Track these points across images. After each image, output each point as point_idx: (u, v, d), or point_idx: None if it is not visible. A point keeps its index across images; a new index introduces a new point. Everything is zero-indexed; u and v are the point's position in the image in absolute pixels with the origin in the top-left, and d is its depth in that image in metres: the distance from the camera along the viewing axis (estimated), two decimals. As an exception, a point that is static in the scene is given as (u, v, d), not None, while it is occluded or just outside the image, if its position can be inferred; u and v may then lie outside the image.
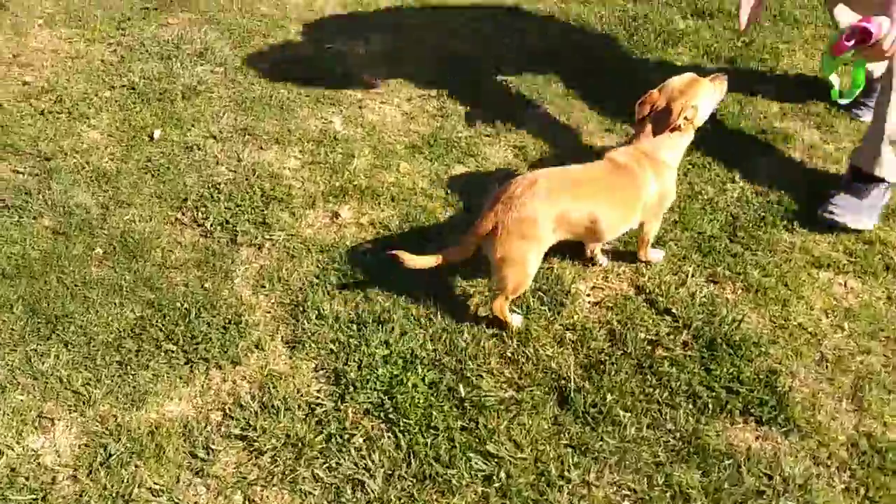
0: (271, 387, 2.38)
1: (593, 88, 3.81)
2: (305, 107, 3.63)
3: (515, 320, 2.60)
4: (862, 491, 2.22)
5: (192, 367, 2.44)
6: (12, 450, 2.20)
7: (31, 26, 4.28)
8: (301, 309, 2.63)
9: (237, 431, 2.25)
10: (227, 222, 2.96)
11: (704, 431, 2.33)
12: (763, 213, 3.11)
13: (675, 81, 2.65)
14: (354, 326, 2.56)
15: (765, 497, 2.18)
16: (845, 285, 2.84)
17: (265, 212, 3.01)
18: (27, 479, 2.13)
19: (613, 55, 4.11)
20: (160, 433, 2.25)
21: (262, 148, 3.38)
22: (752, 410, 2.40)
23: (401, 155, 3.36)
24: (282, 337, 2.55)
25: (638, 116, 2.65)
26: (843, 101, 2.95)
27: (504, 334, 2.57)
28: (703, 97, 2.62)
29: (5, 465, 2.17)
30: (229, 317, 2.59)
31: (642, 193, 2.59)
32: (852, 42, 2.54)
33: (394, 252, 2.45)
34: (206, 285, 2.71)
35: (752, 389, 2.45)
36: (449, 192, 3.15)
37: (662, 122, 2.59)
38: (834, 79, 2.81)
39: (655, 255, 2.86)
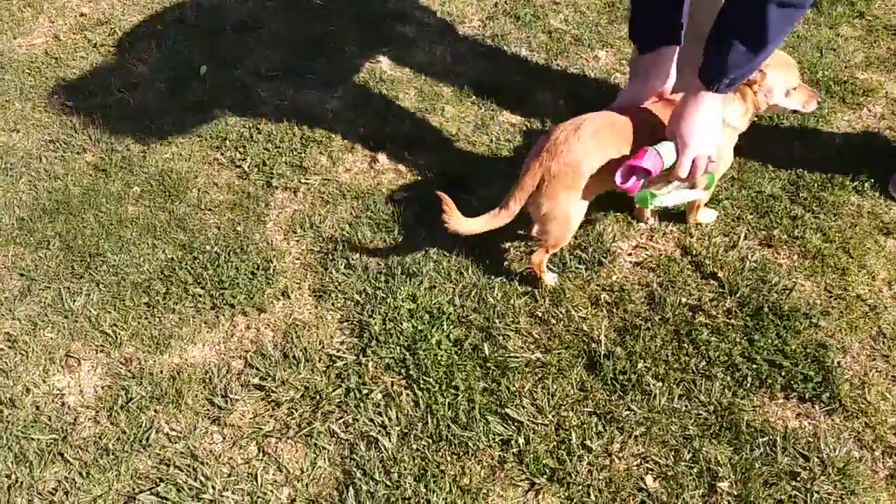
0: (294, 336, 2.35)
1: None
2: (354, 45, 3.52)
3: (550, 278, 2.49)
4: (908, 479, 2.08)
5: (217, 312, 2.43)
6: (38, 388, 2.25)
7: (93, -44, 4.27)
8: (331, 257, 2.58)
9: (256, 381, 2.24)
10: (265, 164, 2.91)
11: (740, 406, 2.20)
12: (832, 174, 2.88)
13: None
14: (383, 278, 2.50)
15: (799, 479, 2.06)
16: (914, 255, 2.62)
17: (303, 154, 2.95)
18: (50, 418, 2.17)
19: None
20: (181, 378, 2.25)
21: (306, 88, 3.30)
22: (795, 386, 2.25)
23: (447, 98, 3.23)
24: (309, 285, 2.51)
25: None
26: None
27: (536, 293, 2.47)
28: (780, 81, 2.29)
29: (31, 403, 2.21)
30: (258, 262, 2.57)
31: None
32: (633, 182, 2.12)
33: (442, 194, 2.21)
34: (239, 228, 2.69)
35: (796, 363, 2.29)
36: (494, 139, 3.03)
37: None
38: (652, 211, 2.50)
39: (707, 216, 2.69)
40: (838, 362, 2.32)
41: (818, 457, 2.10)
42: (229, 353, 2.33)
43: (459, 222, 2.25)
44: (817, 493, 2.03)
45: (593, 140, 2.21)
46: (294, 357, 2.29)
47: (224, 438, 2.13)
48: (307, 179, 2.85)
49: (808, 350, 2.33)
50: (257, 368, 2.27)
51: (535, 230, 2.37)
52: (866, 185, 2.82)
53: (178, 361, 2.31)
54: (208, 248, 2.61)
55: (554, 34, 3.56)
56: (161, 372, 2.27)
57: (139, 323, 2.40)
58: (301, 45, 3.53)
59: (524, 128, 3.08)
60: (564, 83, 3.29)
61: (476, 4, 3.76)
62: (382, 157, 2.93)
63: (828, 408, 2.22)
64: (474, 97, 3.23)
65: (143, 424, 2.15)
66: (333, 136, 3.04)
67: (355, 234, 2.64)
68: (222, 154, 2.97)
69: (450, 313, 2.40)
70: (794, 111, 2.40)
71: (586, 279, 2.52)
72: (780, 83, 2.30)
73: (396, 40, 3.56)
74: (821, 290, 2.52)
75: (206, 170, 2.91)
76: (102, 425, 2.16)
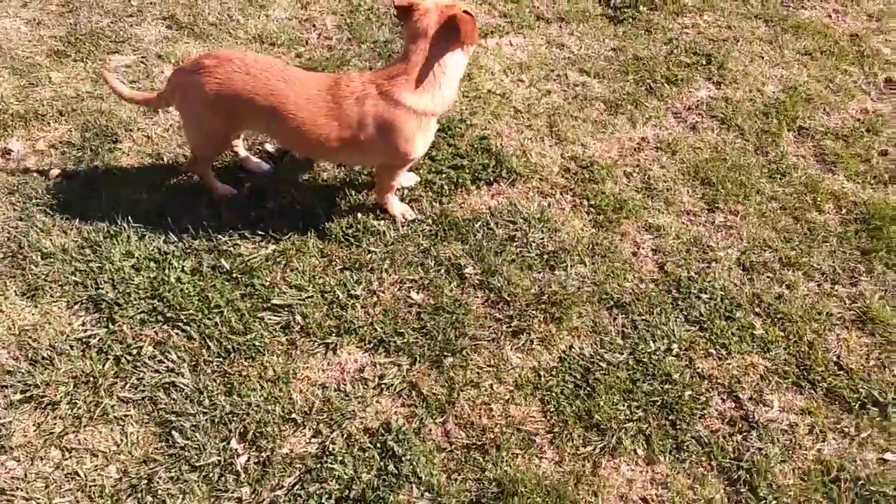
0: (31, 341, 2.21)
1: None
2: None
3: (221, 189, 2.59)
4: (585, 202, 2.62)
5: (-71, 358, 2.18)
6: None
7: None
8: (22, 256, 2.40)
9: (19, 397, 2.09)
10: None
11: (450, 209, 2.56)
12: None
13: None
14: (87, 250, 2.41)
15: (517, 239, 2.49)
16: (511, 44, 3.15)
17: (-76, 176, 2.63)
18: None
19: None
20: (-68, 435, 2.02)
21: None
22: (480, 176, 2.67)
23: (48, 66, 3.04)
24: (15, 290, 2.33)
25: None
26: None
27: (239, 193, 2.57)
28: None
29: None
30: (-56, 294, 2.31)
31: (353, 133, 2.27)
32: None
33: (105, 75, 2.51)
34: None
35: (472, 159, 2.71)
36: (123, 82, 2.93)
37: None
38: None
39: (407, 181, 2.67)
40: (500, 145, 2.78)
41: (522, 217, 2.56)
42: (-31, 389, 2.13)
43: (121, 89, 2.53)
44: (533, 241, 2.48)
45: (213, 74, 2.25)
46: (44, 357, 2.17)
47: (19, 461, 1.99)
48: (-56, 196, 2.57)
49: (476, 146, 2.76)
50: (13, 386, 2.11)
51: None
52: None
53: (-84, 425, 2.06)
54: None
55: (119, -30, 3.46)
56: None
57: None
58: None
59: (139, 64, 3.03)
60: (157, 10, 3.26)
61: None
62: (15, 144, 2.72)
63: (510, 180, 2.67)
64: (73, 54, 3.08)
65: (-80, 497, 1.92)
66: (-54, 145, 2.73)
67: (32, 225, 2.47)
68: None
69: (172, 251, 2.41)
70: None
71: (285, 167, 2.67)
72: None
73: (-47, 29, 3.20)
74: (461, 97, 2.94)
75: None
76: None
